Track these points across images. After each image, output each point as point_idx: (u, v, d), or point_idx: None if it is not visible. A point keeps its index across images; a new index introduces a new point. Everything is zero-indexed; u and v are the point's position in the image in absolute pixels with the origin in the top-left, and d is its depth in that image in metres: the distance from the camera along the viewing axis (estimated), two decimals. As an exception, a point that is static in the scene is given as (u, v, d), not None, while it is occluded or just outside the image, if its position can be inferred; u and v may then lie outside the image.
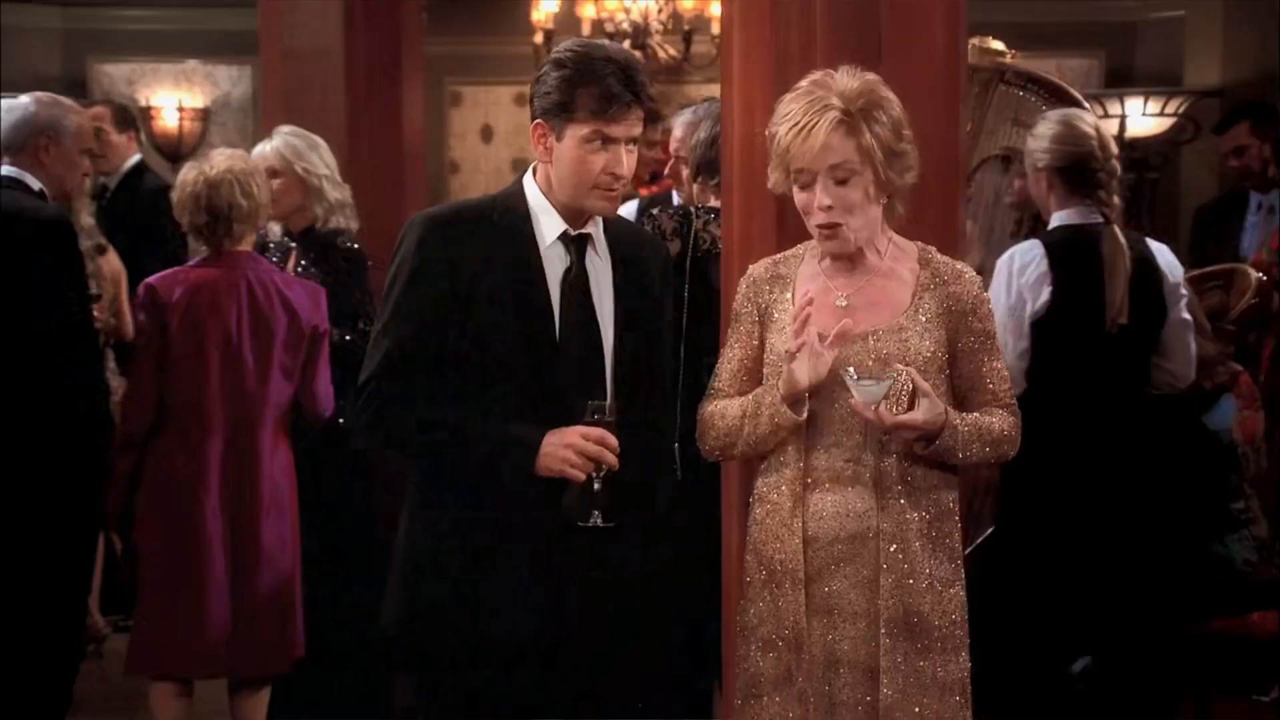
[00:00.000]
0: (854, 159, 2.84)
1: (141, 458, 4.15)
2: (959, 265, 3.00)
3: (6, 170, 4.39)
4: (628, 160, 2.90)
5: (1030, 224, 4.85)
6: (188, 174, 4.24)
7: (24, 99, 4.50)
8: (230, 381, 4.13)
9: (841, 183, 2.85)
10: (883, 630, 2.85)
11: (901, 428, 2.82)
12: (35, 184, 4.40)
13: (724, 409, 3.00)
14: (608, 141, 2.88)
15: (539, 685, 2.96)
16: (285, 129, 4.81)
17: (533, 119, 2.94)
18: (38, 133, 4.39)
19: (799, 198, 2.91)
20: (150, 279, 4.20)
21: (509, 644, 2.92)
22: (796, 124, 2.86)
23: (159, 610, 4.13)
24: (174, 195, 4.27)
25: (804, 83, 2.94)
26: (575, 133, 2.88)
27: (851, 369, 2.82)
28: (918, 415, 2.82)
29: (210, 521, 4.11)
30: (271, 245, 4.81)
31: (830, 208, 2.86)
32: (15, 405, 4.17)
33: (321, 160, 4.75)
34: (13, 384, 4.16)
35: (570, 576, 2.92)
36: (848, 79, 2.89)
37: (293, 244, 4.75)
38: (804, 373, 2.83)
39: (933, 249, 3.01)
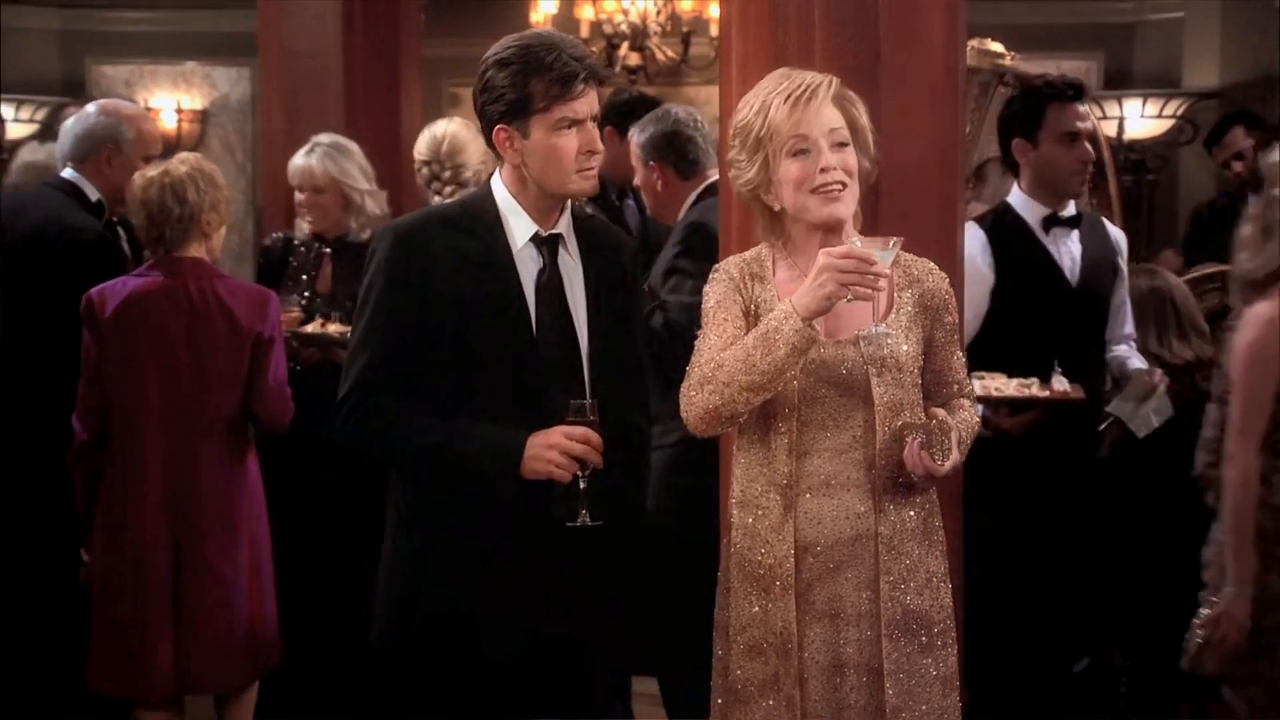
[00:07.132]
0: (845, 129, 2.87)
1: (95, 469, 4.06)
2: (927, 261, 2.99)
3: (67, 174, 4.40)
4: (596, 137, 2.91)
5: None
6: (136, 177, 4.16)
7: (89, 107, 4.51)
8: (168, 392, 4.00)
9: (840, 147, 2.85)
10: (884, 632, 2.84)
11: (952, 470, 2.84)
12: (94, 194, 4.41)
13: (719, 362, 2.79)
14: (574, 123, 2.87)
15: (531, 689, 2.95)
16: (324, 139, 4.79)
17: (490, 127, 2.90)
18: (99, 143, 4.39)
19: (794, 169, 2.84)
20: (90, 290, 4.07)
21: (500, 648, 2.90)
22: (794, 94, 2.84)
23: (108, 625, 4.03)
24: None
25: (765, 81, 2.92)
26: (542, 123, 2.86)
27: (857, 238, 2.79)
28: (956, 453, 2.84)
29: (151, 535, 3.98)
30: (300, 250, 4.78)
31: (835, 168, 2.84)
32: (27, 415, 4.21)
33: (361, 172, 4.76)
34: (28, 392, 4.20)
35: (560, 577, 2.90)
36: (807, 72, 2.90)
37: (325, 250, 4.75)
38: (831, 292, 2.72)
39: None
